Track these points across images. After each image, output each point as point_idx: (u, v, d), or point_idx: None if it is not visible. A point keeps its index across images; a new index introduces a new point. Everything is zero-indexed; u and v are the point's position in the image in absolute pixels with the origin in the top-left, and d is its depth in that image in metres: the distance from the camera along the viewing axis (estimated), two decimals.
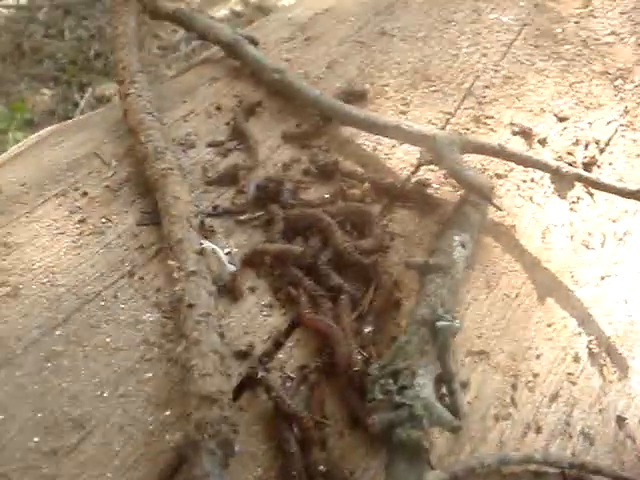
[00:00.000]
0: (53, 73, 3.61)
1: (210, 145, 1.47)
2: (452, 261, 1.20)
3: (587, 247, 1.41)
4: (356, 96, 1.58)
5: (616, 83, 1.71)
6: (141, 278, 1.20)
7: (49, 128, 1.61)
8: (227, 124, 1.52)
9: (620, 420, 1.22)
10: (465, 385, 1.15)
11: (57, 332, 1.11)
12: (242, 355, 1.11)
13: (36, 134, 1.61)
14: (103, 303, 1.16)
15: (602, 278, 1.38)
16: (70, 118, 2.53)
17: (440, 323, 1.08)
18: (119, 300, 1.16)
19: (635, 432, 1.21)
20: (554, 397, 1.20)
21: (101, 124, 1.56)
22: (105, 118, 1.59)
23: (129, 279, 1.20)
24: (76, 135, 1.54)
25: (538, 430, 1.15)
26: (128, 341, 1.11)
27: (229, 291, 1.18)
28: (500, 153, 1.39)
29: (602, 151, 1.57)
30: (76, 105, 3.43)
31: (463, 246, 1.23)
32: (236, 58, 1.67)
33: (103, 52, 3.68)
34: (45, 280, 1.18)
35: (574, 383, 1.22)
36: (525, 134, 1.55)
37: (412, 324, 1.11)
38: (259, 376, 1.06)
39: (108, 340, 1.11)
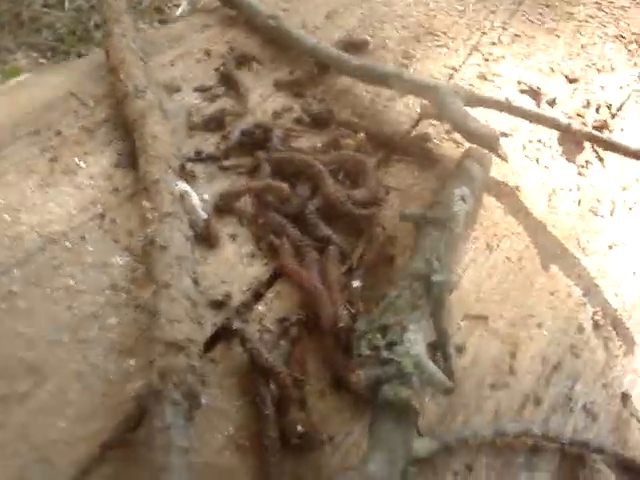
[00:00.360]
0: (51, 43, 3.52)
1: (197, 90, 1.37)
2: (452, 214, 1.10)
3: (595, 214, 1.33)
4: (356, 46, 1.48)
5: (630, 48, 1.63)
6: (112, 220, 1.10)
7: (31, 72, 1.52)
8: (216, 70, 1.42)
9: (625, 397, 1.13)
10: (461, 349, 1.07)
11: (15, 272, 1.00)
12: (218, 305, 1.01)
13: (17, 77, 1.52)
14: (69, 244, 1.05)
15: (610, 247, 1.29)
16: None
17: (435, 277, 0.98)
18: (86, 242, 1.06)
19: None
20: (555, 368, 1.11)
21: (83, 66, 1.46)
22: (89, 62, 1.49)
23: (100, 221, 1.10)
24: (56, 77, 1.44)
25: (537, 402, 1.06)
26: (93, 285, 1.01)
27: (204, 238, 1.09)
28: (507, 108, 1.30)
29: (614, 116, 1.48)
30: None
31: (464, 200, 1.14)
32: (231, 7, 1.58)
33: (102, 23, 3.59)
34: (7, 217, 1.07)
35: (577, 355, 1.14)
36: (533, 93, 1.46)
37: (405, 278, 1.01)
38: (235, 327, 0.97)
39: (71, 283, 1.01)
